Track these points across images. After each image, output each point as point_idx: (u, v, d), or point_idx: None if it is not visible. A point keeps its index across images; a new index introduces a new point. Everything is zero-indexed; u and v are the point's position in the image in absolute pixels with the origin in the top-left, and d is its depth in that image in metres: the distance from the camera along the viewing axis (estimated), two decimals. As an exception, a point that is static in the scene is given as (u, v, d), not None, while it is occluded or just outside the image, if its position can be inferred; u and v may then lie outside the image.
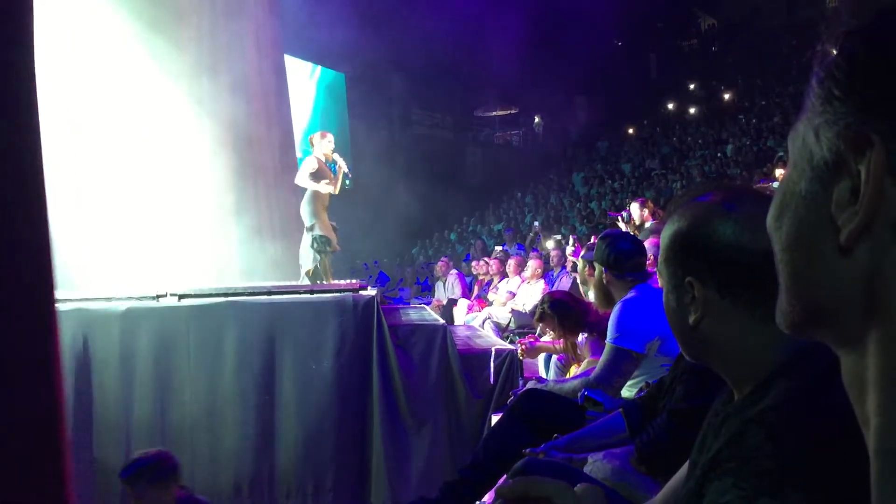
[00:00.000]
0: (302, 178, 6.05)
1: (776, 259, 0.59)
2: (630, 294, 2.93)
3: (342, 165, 6.16)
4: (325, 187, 6.02)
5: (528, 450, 1.87)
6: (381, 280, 12.64)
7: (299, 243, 6.38)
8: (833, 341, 0.55)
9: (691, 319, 1.04)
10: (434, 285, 11.11)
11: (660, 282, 1.50)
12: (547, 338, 4.35)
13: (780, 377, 0.96)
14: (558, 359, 4.07)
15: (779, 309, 0.59)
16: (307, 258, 6.05)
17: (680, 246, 1.06)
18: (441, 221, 19.22)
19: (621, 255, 2.95)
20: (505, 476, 1.81)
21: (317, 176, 6.05)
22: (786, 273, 0.57)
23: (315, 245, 5.90)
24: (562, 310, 3.73)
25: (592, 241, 5.33)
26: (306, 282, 5.89)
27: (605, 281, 3.02)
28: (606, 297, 3.04)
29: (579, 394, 2.44)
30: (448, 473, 4.53)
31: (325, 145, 6.13)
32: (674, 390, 1.86)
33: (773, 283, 0.61)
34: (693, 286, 1.03)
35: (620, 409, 2.09)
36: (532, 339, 4.27)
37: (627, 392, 2.71)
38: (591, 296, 5.56)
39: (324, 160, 6.13)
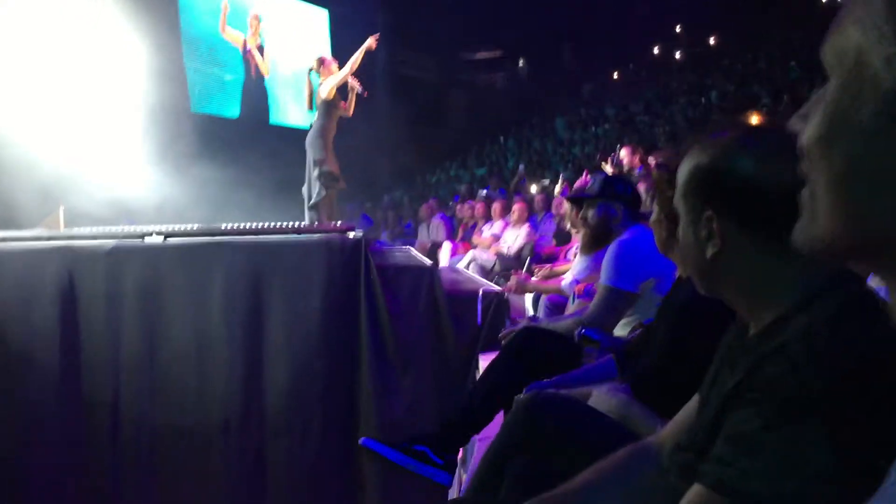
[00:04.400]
0: (340, 76, 6.18)
1: (818, 181, 0.56)
2: (625, 235, 2.96)
3: (356, 86, 6.27)
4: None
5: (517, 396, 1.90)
6: (365, 223, 12.60)
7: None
8: (881, 269, 0.55)
9: (709, 253, 1.05)
10: (417, 228, 11.11)
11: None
12: (535, 278, 4.38)
13: (799, 312, 0.97)
14: (548, 299, 4.10)
15: (808, 232, 0.58)
16: (313, 192, 6.12)
17: (700, 179, 1.07)
18: (423, 165, 19.12)
19: (634, 196, 2.98)
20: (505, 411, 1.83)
21: (330, 105, 6.14)
22: (841, 201, 0.55)
23: (323, 179, 5.98)
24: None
25: (579, 182, 5.34)
26: (307, 216, 5.98)
27: (616, 219, 3.03)
28: (598, 238, 3.05)
29: (576, 332, 2.47)
30: (435, 412, 4.60)
31: (332, 70, 6.23)
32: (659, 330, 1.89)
33: (793, 217, 0.61)
34: (712, 220, 1.04)
35: (612, 354, 2.12)
36: (525, 275, 4.29)
37: (621, 331, 2.75)
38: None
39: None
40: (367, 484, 4.55)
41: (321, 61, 6.37)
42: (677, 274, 2.05)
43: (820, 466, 0.83)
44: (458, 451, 2.29)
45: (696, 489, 0.94)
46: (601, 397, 1.62)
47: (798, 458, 0.85)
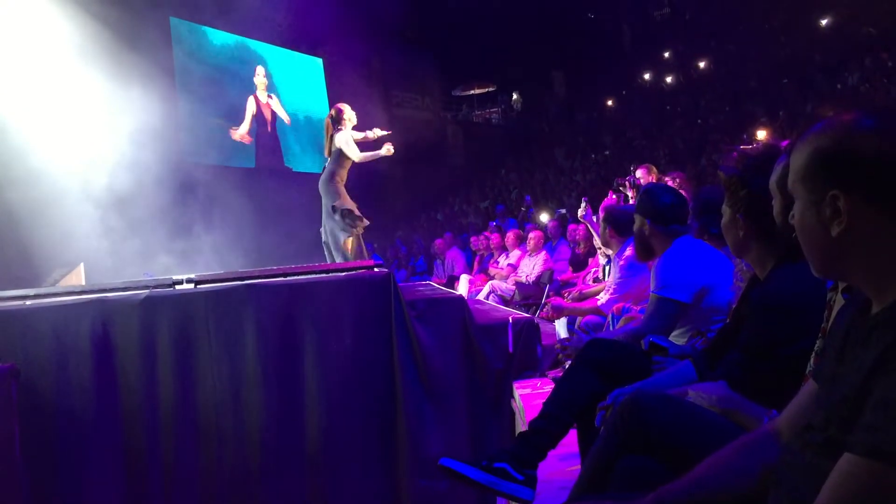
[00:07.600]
0: (354, 154, 6.28)
1: None
2: (672, 247, 3.00)
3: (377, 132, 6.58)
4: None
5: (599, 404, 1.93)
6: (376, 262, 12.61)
7: None
8: None
9: (835, 232, 1.08)
10: (430, 264, 11.15)
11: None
12: (567, 301, 4.40)
13: None
14: (584, 321, 4.12)
15: None
16: (337, 236, 6.26)
17: (822, 161, 1.10)
18: (427, 202, 19.22)
19: (666, 208, 3.01)
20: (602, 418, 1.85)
21: (342, 155, 6.34)
22: None
23: (345, 221, 6.14)
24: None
25: (606, 201, 5.38)
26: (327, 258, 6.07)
27: (646, 233, 3.08)
28: (647, 249, 3.10)
29: (643, 340, 2.50)
30: (473, 441, 4.61)
31: (348, 119, 6.44)
32: (739, 330, 1.92)
33: None
34: (837, 198, 1.07)
35: (690, 358, 2.15)
36: (559, 300, 4.31)
37: (677, 341, 2.77)
38: (601, 259, 5.65)
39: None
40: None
41: (339, 111, 6.58)
42: (737, 278, 2.09)
43: None
44: (537, 465, 2.30)
45: (847, 459, 0.97)
46: (700, 395, 1.65)
47: None
